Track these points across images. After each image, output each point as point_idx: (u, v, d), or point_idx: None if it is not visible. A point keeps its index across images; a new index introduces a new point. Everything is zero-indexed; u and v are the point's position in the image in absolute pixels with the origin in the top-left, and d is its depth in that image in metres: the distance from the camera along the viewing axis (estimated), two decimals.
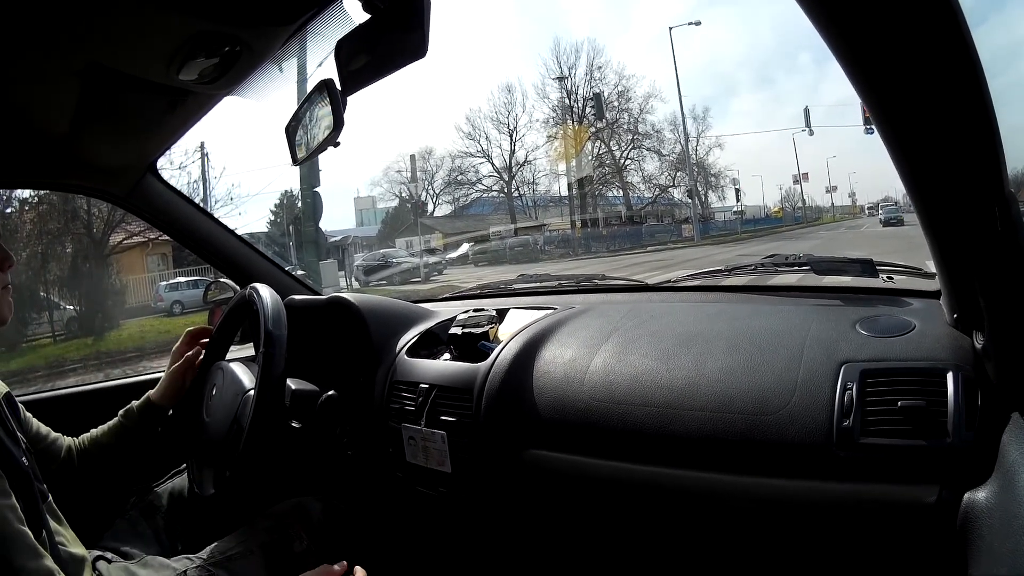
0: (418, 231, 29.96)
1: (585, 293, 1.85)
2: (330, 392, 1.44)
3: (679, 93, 33.63)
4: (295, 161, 1.44)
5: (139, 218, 1.98)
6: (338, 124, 1.21)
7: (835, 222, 38.69)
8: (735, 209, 34.99)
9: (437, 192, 34.79)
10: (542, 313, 1.51)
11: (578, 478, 1.19)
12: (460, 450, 1.34)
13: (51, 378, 9.51)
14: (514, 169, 33.33)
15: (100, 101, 1.28)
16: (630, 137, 32.20)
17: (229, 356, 1.62)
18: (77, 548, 1.23)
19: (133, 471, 1.58)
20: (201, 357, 1.59)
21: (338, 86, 1.15)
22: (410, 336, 1.63)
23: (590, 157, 31.97)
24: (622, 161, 32.18)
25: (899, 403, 0.94)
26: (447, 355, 1.53)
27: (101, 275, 14.29)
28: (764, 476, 0.99)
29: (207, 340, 1.61)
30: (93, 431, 1.53)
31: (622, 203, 32.99)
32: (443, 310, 1.79)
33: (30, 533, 0.99)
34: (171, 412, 1.57)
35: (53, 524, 1.18)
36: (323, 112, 1.28)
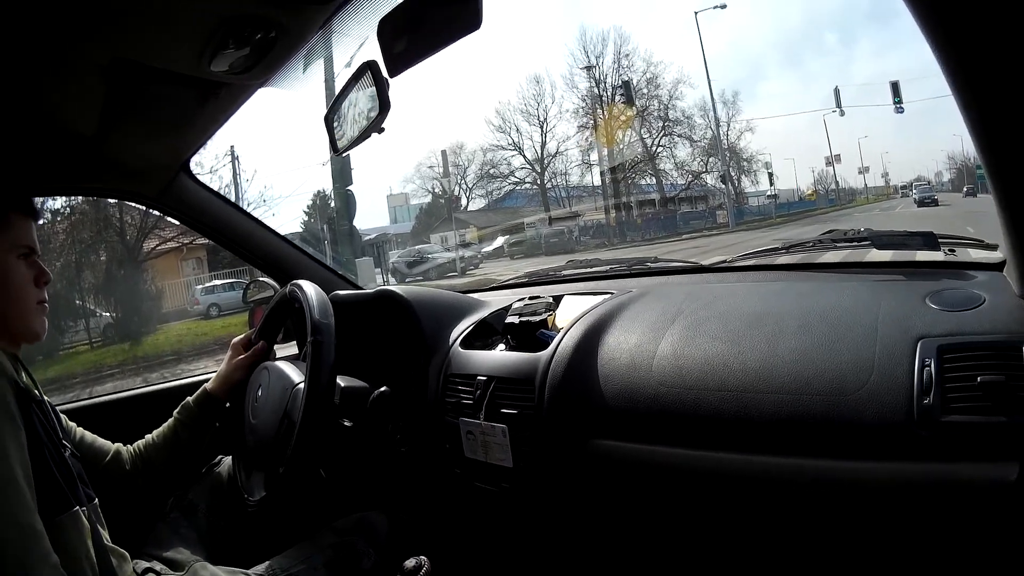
0: (453, 225, 30.12)
1: (638, 277, 1.79)
2: (382, 388, 1.41)
3: (708, 78, 33.57)
4: (336, 151, 1.42)
5: (173, 219, 1.98)
6: (384, 107, 1.18)
7: (868, 204, 37.81)
8: (768, 193, 34.34)
9: (470, 186, 34.96)
10: (599, 298, 1.47)
11: (647, 467, 1.16)
12: (522, 443, 1.30)
13: (88, 384, 9.70)
14: (546, 160, 33.32)
15: (127, 99, 1.26)
16: (660, 124, 31.84)
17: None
18: (119, 553, 1.23)
19: (186, 472, 1.58)
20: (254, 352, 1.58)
21: (382, 67, 1.13)
22: (463, 327, 1.60)
23: (621, 145, 31.93)
24: (653, 148, 31.88)
25: (978, 379, 0.90)
26: (502, 345, 1.49)
27: (136, 281, 14.61)
28: (844, 459, 0.96)
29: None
30: (148, 436, 1.53)
31: (655, 191, 32.72)
32: (492, 300, 1.76)
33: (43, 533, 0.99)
34: (228, 405, 1.57)
35: (99, 528, 1.18)
36: (366, 97, 1.25)
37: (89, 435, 1.45)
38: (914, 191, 31.37)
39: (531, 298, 1.49)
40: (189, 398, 1.53)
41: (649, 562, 1.32)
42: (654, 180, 32.59)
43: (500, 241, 28.07)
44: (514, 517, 1.47)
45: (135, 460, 1.48)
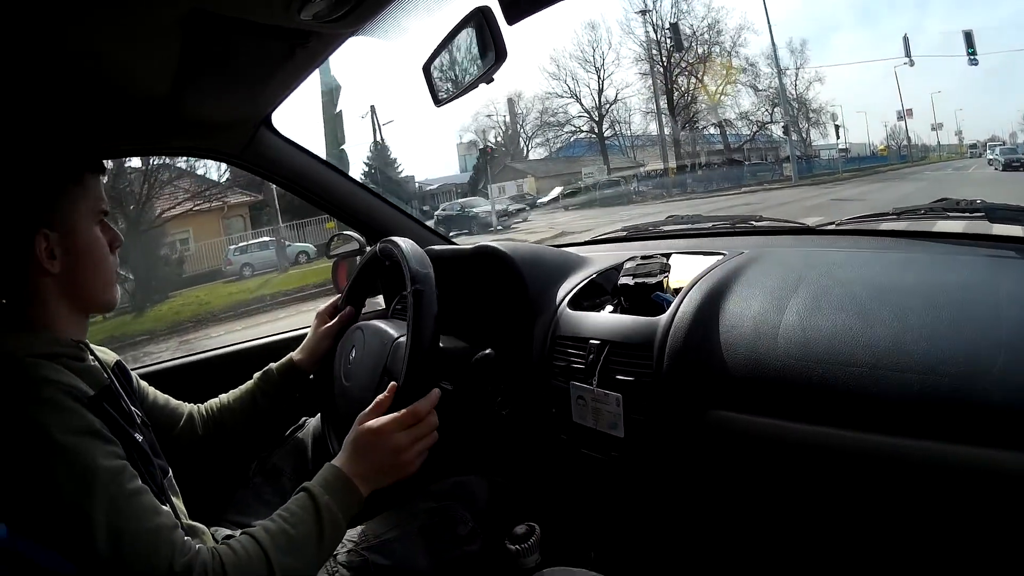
0: (489, 178, 29.84)
1: (742, 236, 1.75)
2: (487, 351, 1.39)
3: (768, 21, 32.53)
4: (437, 102, 1.38)
5: (253, 174, 1.97)
6: (500, 56, 1.13)
7: (942, 161, 35.81)
8: (839, 146, 33.37)
9: (530, 135, 34.61)
10: (712, 259, 1.42)
11: (767, 441, 1.11)
12: (636, 412, 1.27)
13: None
14: (603, 108, 32.76)
15: (206, 53, 1.21)
16: (723, 71, 31.10)
17: None
18: (195, 524, 1.23)
19: (262, 438, 1.58)
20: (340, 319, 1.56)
21: (498, 14, 1.07)
22: (570, 286, 1.56)
23: (683, 92, 31.11)
24: (717, 97, 31.13)
25: None
26: (610, 307, 1.45)
27: (141, 250, 14.64)
28: (972, 444, 0.91)
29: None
30: (223, 396, 1.53)
31: (718, 141, 32.09)
32: (592, 255, 1.72)
33: (147, 490, 0.98)
34: (312, 376, 1.56)
35: (174, 500, 1.18)
36: (475, 46, 1.21)
37: (162, 398, 1.46)
38: (992, 151, 28.44)
39: (643, 257, 1.44)
40: (272, 365, 1.52)
41: (757, 537, 1.28)
42: (717, 131, 32.07)
43: (556, 192, 27.81)
44: (622, 486, 1.44)
45: (208, 423, 1.49)
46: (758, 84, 31.18)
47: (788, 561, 1.23)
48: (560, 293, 1.55)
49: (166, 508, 0.99)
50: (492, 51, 1.15)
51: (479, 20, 1.15)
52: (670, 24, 30.26)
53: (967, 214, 1.42)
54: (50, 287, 1.07)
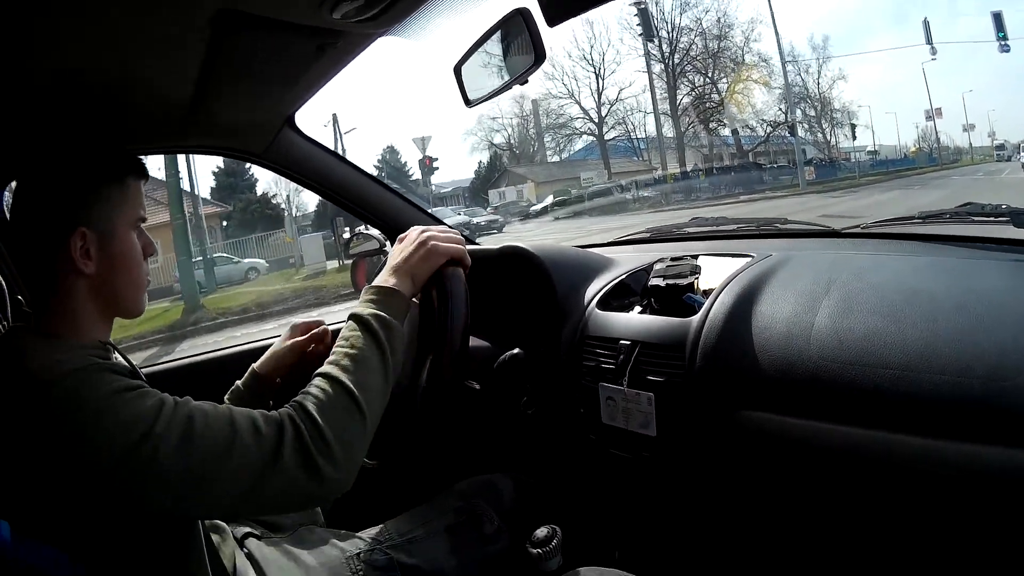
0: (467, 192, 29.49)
1: (767, 238, 1.77)
2: (516, 351, 1.40)
3: (771, 10, 30.63)
4: (469, 103, 1.40)
5: (276, 173, 1.98)
6: (539, 58, 1.16)
7: (973, 165, 34.53)
8: (867, 149, 32.30)
9: (535, 138, 34.07)
10: (741, 262, 1.44)
11: (799, 442, 1.13)
12: (667, 412, 1.29)
13: None
14: (603, 109, 32.12)
15: (232, 53, 1.20)
16: (732, 67, 30.14)
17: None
18: (216, 519, 1.22)
19: None
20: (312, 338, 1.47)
21: (537, 15, 1.09)
22: (599, 286, 1.58)
23: (690, 91, 30.33)
24: (727, 96, 30.11)
25: None
26: (638, 308, 1.47)
27: None
28: (1005, 445, 0.92)
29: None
30: None
31: (731, 144, 31.13)
32: (618, 256, 1.73)
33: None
34: (279, 381, 1.47)
35: None
36: (512, 46, 1.23)
37: None
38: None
39: (673, 259, 1.47)
40: (238, 382, 1.45)
41: (786, 538, 1.30)
42: (729, 132, 31.11)
43: (549, 200, 27.20)
44: (651, 487, 1.46)
45: None
46: (771, 81, 30.17)
47: (817, 563, 1.25)
48: (588, 294, 1.57)
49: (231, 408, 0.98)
50: (531, 53, 1.16)
51: (517, 21, 1.17)
52: (638, 7, 29.11)
53: (992, 219, 1.45)
54: (81, 288, 1.05)
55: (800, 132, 29.66)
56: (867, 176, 29.03)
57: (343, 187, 1.98)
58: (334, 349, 1.09)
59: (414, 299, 1.22)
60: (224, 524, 1.23)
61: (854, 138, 31.37)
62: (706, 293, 1.35)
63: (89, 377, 0.92)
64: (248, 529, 1.28)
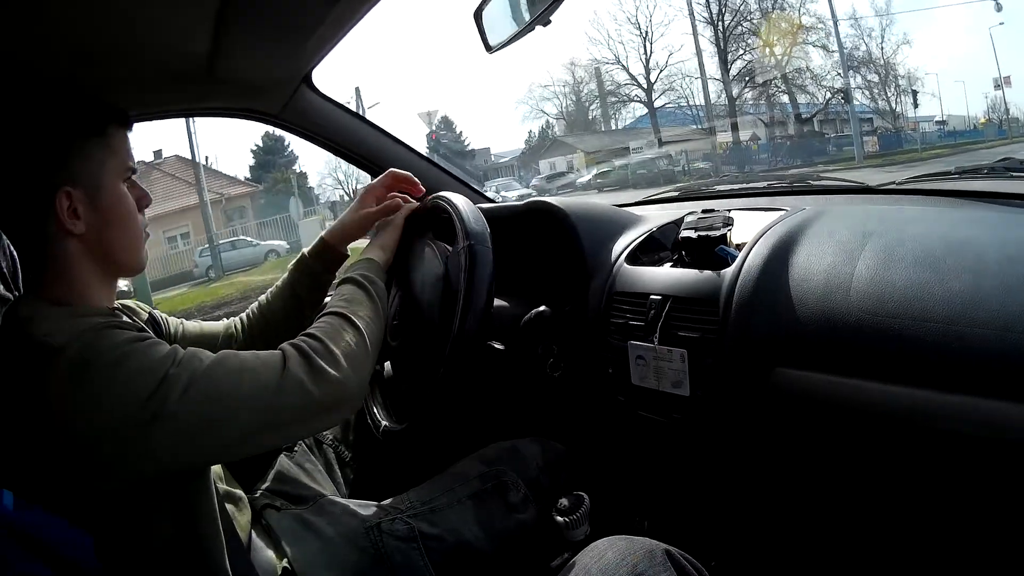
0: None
1: (799, 195, 1.70)
2: (541, 308, 1.36)
3: None
4: (489, 49, 1.36)
5: (293, 134, 1.95)
6: None
7: None
8: (936, 119, 29.67)
9: (587, 105, 33.32)
10: (775, 215, 1.38)
11: (837, 399, 1.08)
12: (701, 370, 1.24)
13: None
14: (652, 75, 30.70)
15: (245, 5, 1.17)
16: (788, 29, 27.62)
17: None
18: (234, 489, 1.21)
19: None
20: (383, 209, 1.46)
21: None
22: (627, 241, 1.53)
23: (742, 53, 28.74)
24: (784, 60, 28.02)
25: None
26: (668, 263, 1.42)
27: None
28: None
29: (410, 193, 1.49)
30: (261, 297, 1.48)
31: (769, 112, 29.13)
32: (648, 214, 1.68)
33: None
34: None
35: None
36: None
37: (195, 323, 1.42)
38: None
39: (704, 211, 1.41)
40: (305, 250, 1.45)
41: (825, 503, 1.25)
42: (787, 97, 29.08)
43: (593, 171, 26.42)
44: (682, 452, 1.42)
45: (251, 327, 1.44)
46: (829, 44, 27.85)
47: (858, 533, 1.20)
48: (617, 249, 1.52)
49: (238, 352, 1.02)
50: None
51: None
52: None
53: None
54: (76, 250, 1.03)
55: (862, 99, 28.05)
56: (931, 149, 26.60)
57: (365, 148, 1.95)
58: (334, 301, 1.18)
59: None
60: (242, 493, 1.22)
61: (915, 106, 29.05)
62: (739, 247, 1.30)
63: (97, 336, 0.91)
64: (267, 501, 1.26)
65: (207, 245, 22.83)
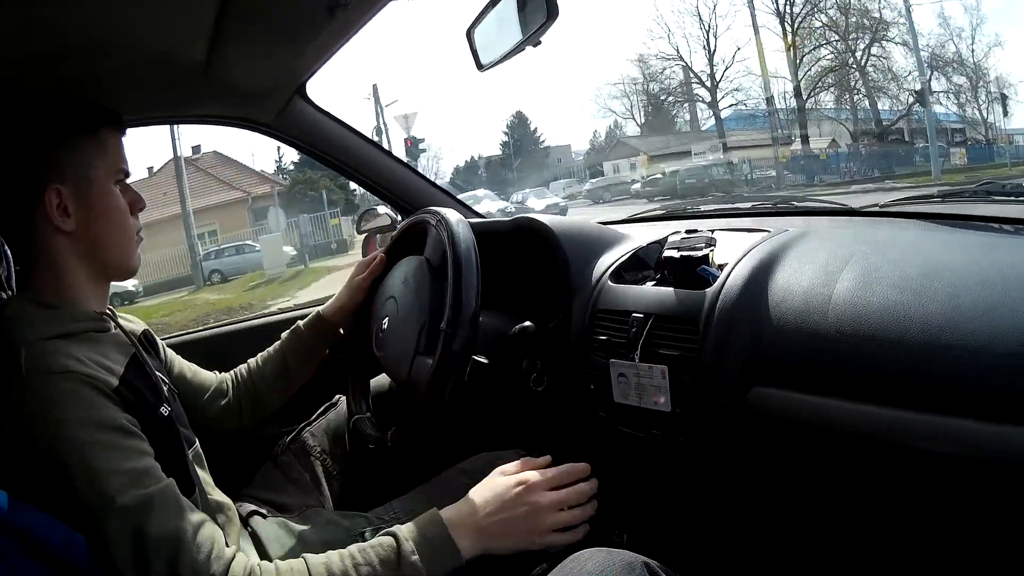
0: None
1: (783, 216, 1.74)
2: (526, 324, 1.38)
3: None
4: (481, 67, 1.38)
5: (285, 144, 1.97)
6: (552, 14, 1.12)
7: None
8: None
9: (654, 105, 31.96)
10: (758, 236, 1.40)
11: (814, 419, 1.10)
12: (681, 387, 1.25)
13: None
14: (716, 74, 29.21)
15: (242, 13, 1.19)
16: (867, 24, 25.94)
17: None
18: (221, 497, 1.21)
19: (295, 407, 1.57)
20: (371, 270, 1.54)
21: None
22: (612, 259, 1.55)
23: (813, 48, 26.71)
24: (862, 59, 26.00)
25: None
26: (651, 282, 1.43)
27: None
28: None
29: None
30: (251, 360, 1.51)
31: (847, 117, 27.11)
32: (633, 233, 1.70)
33: (172, 488, 0.95)
34: (342, 331, 1.55)
35: (200, 472, 1.16)
36: (524, 6, 1.20)
37: (190, 367, 1.44)
38: None
39: (688, 231, 1.44)
40: (300, 322, 1.50)
41: (800, 520, 1.27)
42: (866, 101, 26.80)
43: (639, 181, 24.60)
44: (661, 467, 1.44)
45: (238, 389, 1.47)
46: (911, 42, 25.15)
47: (835, 551, 1.22)
48: (601, 266, 1.54)
49: (199, 515, 0.96)
50: (542, 10, 1.14)
51: None
52: None
53: (1013, 198, 1.44)
54: (66, 248, 1.04)
55: (949, 106, 25.67)
56: (1021, 165, 23.39)
57: (355, 160, 1.97)
58: (352, 549, 1.00)
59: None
60: (229, 500, 1.23)
61: (1005, 114, 25.96)
62: (721, 267, 1.32)
63: (67, 393, 0.91)
64: (254, 508, 1.28)
65: (214, 248, 22.71)
